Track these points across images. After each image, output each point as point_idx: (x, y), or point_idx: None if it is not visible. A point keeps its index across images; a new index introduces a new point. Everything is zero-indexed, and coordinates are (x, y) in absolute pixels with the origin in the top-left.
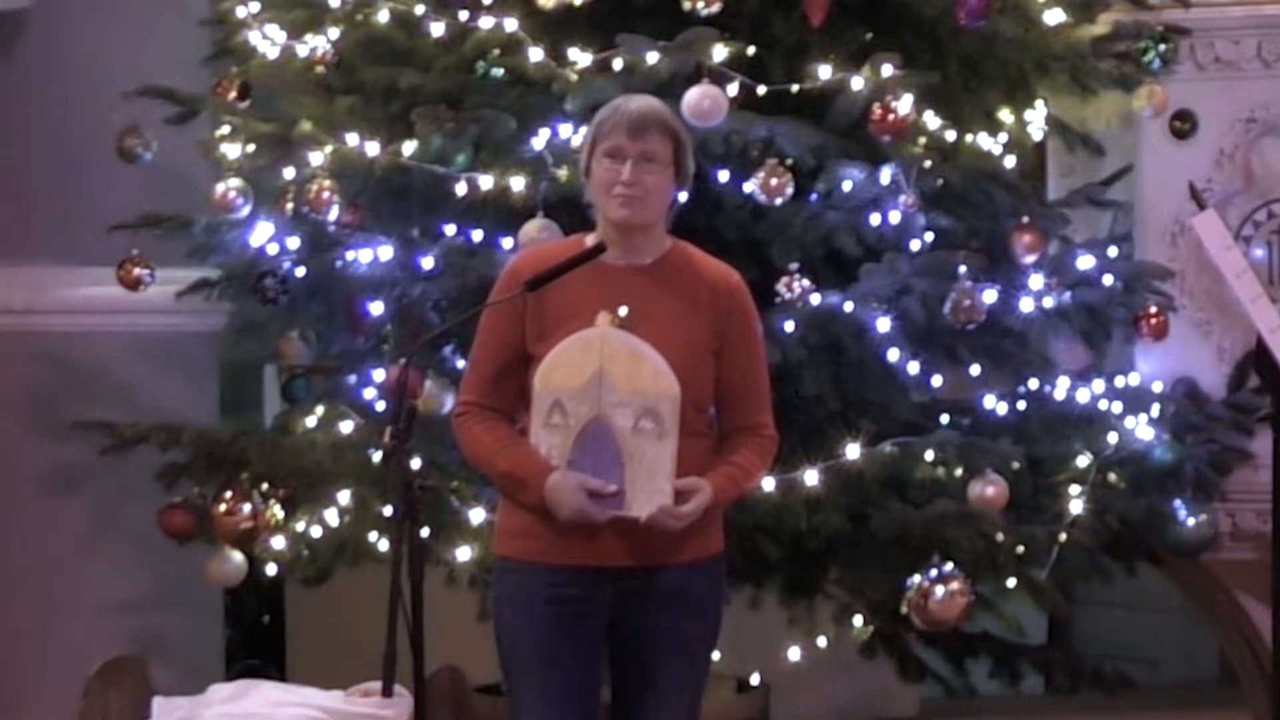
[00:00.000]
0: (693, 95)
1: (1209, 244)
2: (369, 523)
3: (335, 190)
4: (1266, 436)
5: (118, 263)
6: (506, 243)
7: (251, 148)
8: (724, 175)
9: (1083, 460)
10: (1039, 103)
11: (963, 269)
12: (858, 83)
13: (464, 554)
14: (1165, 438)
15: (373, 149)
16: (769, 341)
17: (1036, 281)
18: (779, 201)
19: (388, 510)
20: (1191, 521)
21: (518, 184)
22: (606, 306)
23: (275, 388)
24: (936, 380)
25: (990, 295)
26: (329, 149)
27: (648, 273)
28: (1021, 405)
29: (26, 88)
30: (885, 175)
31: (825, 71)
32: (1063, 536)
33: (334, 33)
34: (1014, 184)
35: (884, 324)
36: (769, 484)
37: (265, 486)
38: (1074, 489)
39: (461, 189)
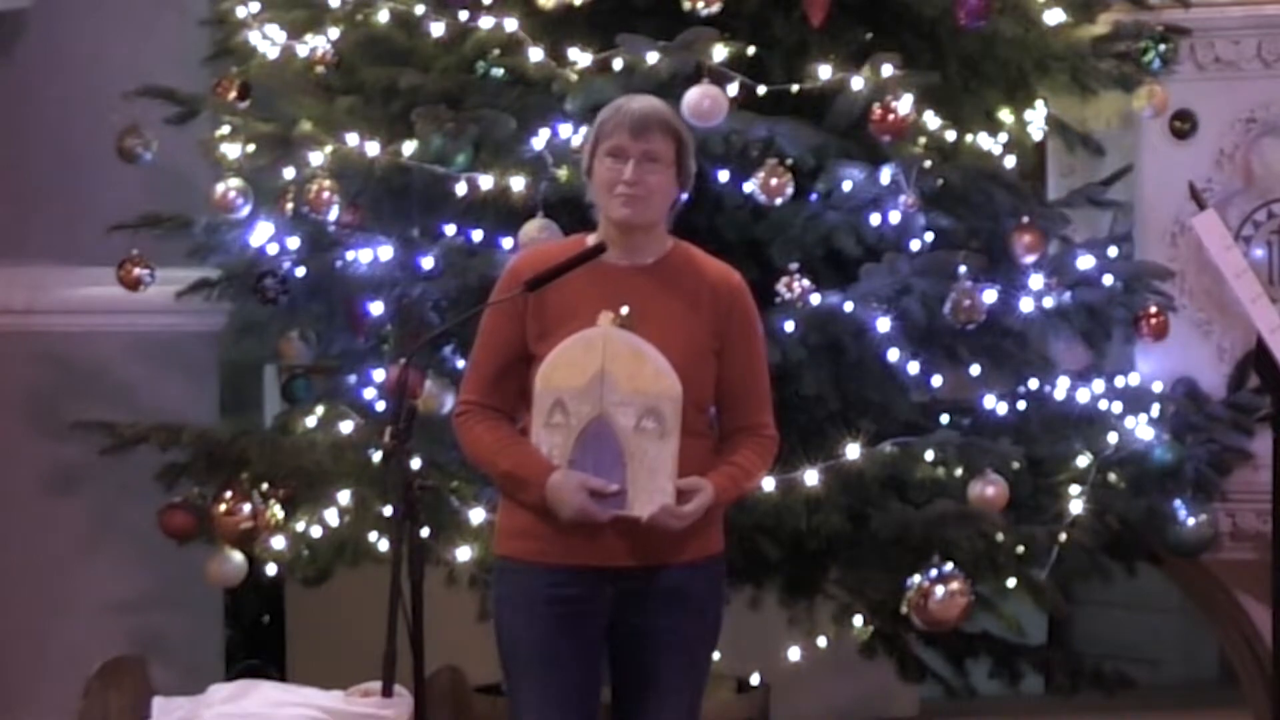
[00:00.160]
0: (693, 95)
1: (1209, 244)
2: (369, 523)
3: (335, 190)
4: (1266, 436)
5: (118, 263)
6: (506, 243)
7: (251, 148)
8: (724, 175)
9: (1083, 460)
10: (1039, 103)
11: (963, 269)
12: (858, 83)
13: (464, 554)
14: (1165, 438)
15: (373, 149)
16: (769, 341)
17: (1036, 281)
18: (779, 201)
19: (388, 510)
20: (1191, 521)
21: (518, 184)
22: (608, 306)
23: (275, 388)
24: (936, 380)
25: (990, 295)
26: (329, 149)
27: (649, 272)
28: (1021, 405)
29: (26, 88)
30: (885, 175)
31: (825, 71)
32: (1063, 536)
33: (334, 33)
34: (1014, 184)
35: (884, 324)
36: (769, 484)
37: (265, 486)
38: (1074, 489)
39: (461, 189)
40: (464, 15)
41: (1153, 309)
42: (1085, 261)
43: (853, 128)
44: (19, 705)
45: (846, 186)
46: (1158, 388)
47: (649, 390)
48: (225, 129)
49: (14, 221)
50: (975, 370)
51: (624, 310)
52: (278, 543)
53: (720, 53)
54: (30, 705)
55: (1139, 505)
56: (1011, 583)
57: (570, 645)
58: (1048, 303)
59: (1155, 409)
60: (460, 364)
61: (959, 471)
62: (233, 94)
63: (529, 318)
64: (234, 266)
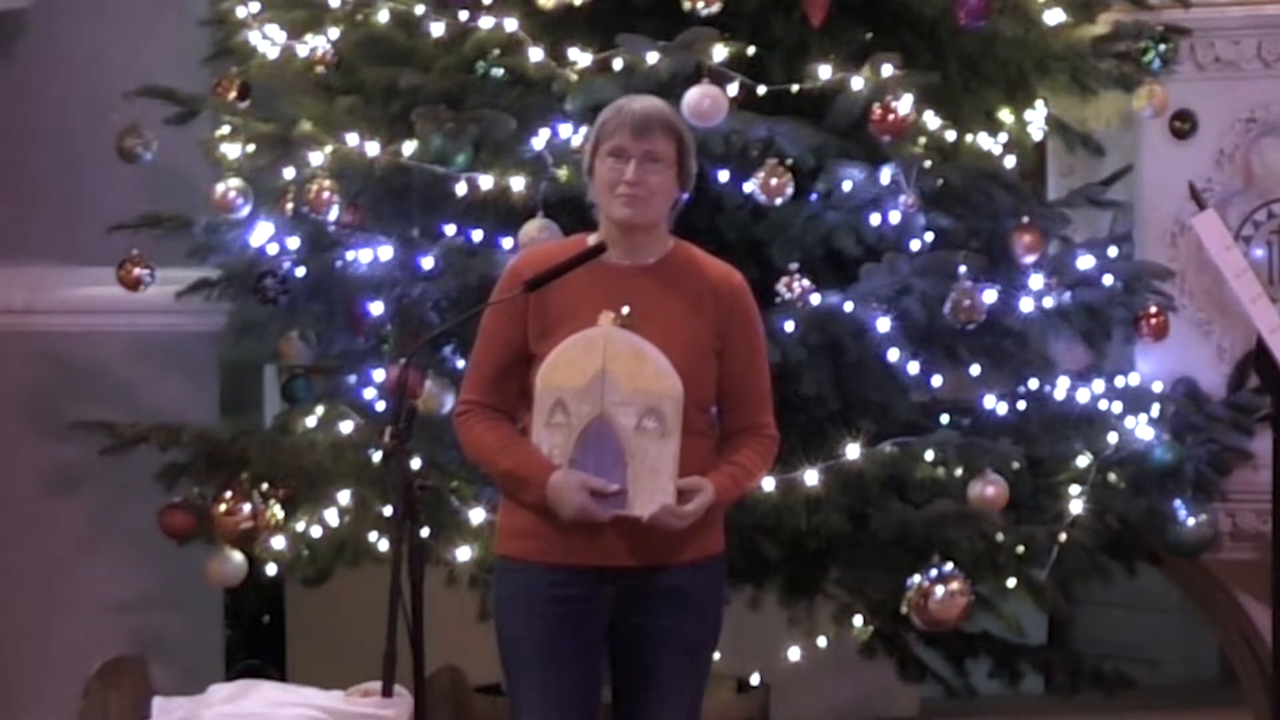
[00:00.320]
0: (693, 95)
1: (1209, 244)
2: (369, 523)
3: (335, 190)
4: (1266, 436)
5: (118, 263)
6: (506, 243)
7: (251, 148)
8: (724, 175)
9: (1083, 460)
10: (1039, 103)
11: (963, 269)
12: (858, 83)
13: (464, 554)
14: (1165, 438)
15: (373, 149)
16: (769, 341)
17: (1036, 281)
18: (779, 201)
19: (388, 510)
20: (1191, 521)
21: (518, 184)
22: (609, 306)
23: (275, 388)
24: (936, 380)
25: (990, 295)
26: (329, 149)
27: (650, 272)
28: (1021, 405)
29: (26, 88)
30: (885, 175)
31: (825, 71)
32: (1063, 536)
33: (334, 33)
34: (1014, 184)
35: (884, 324)
36: (769, 484)
37: (265, 486)
38: (1074, 489)
39: (461, 189)
40: (464, 15)
41: (1153, 309)
42: (1085, 261)
43: (853, 128)
44: (19, 705)
45: (846, 186)
46: (1158, 388)
47: (650, 390)
48: (225, 129)
49: (14, 221)
50: (975, 370)
51: (625, 310)
52: (278, 543)
53: (720, 53)
54: (30, 705)
55: (1139, 505)
56: (1011, 583)
57: (571, 645)
58: (1048, 303)
59: (1155, 409)
60: (460, 364)
61: (959, 471)
62: (233, 94)
63: (530, 317)
64: (234, 266)
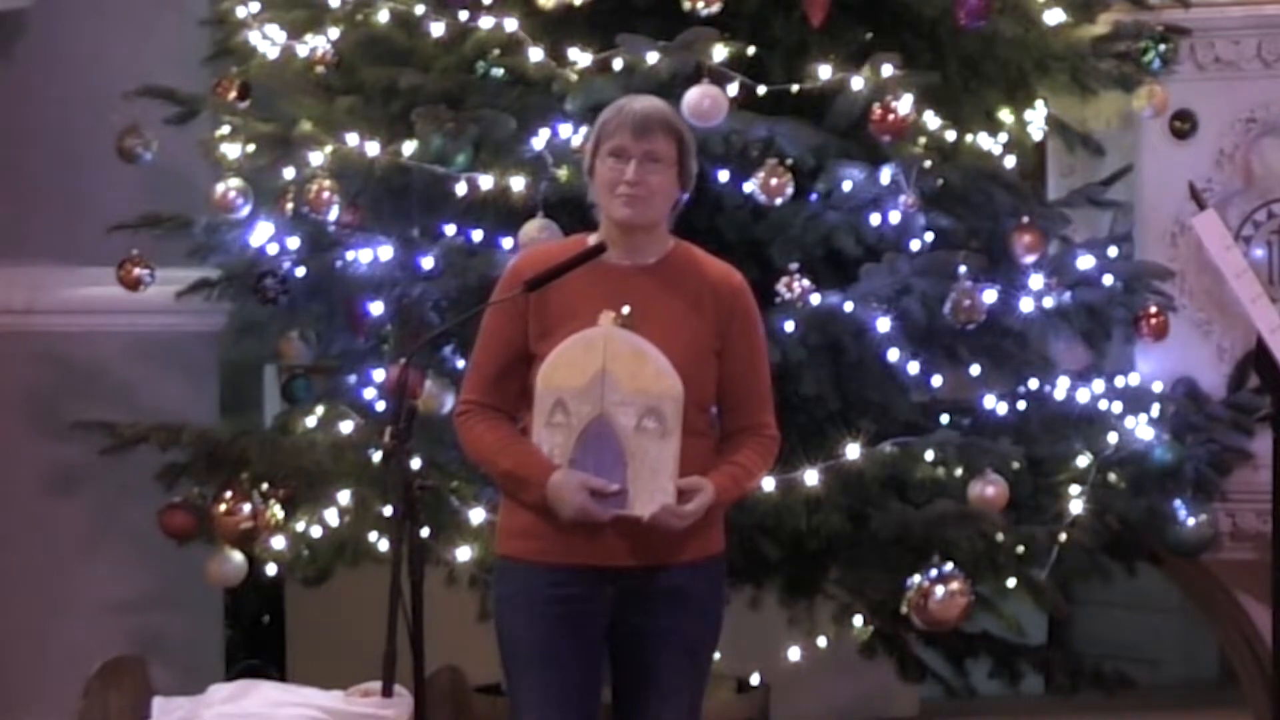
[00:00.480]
0: (693, 95)
1: (1209, 244)
2: (369, 523)
3: (335, 190)
4: (1266, 436)
5: (118, 263)
6: (506, 243)
7: (251, 148)
8: (724, 175)
9: (1083, 460)
10: (1039, 103)
11: (963, 269)
12: (858, 83)
13: (464, 554)
14: (1165, 438)
15: (373, 149)
16: (769, 341)
17: (1036, 281)
18: (779, 201)
19: (388, 510)
20: (1191, 521)
21: (518, 184)
22: (609, 306)
23: (275, 388)
24: (936, 380)
25: (990, 295)
26: (329, 149)
27: (650, 272)
28: (1021, 405)
29: (26, 88)
30: (885, 175)
31: (825, 71)
32: (1063, 536)
33: (334, 33)
34: (1014, 184)
35: (884, 324)
36: (769, 484)
37: (265, 486)
38: (1074, 489)
39: (461, 189)
40: (464, 15)
41: (1153, 309)
42: (1085, 261)
43: (853, 128)
44: (19, 705)
45: (846, 186)
46: (1158, 388)
47: (650, 390)
48: (225, 129)
49: (14, 221)
50: (975, 370)
51: (625, 310)
52: (278, 543)
53: (720, 53)
54: (30, 705)
55: (1139, 505)
56: (1011, 583)
57: (571, 645)
58: (1048, 303)
59: (1155, 409)
60: (460, 364)
61: (959, 471)
62: (233, 94)
63: (530, 317)
64: (234, 266)
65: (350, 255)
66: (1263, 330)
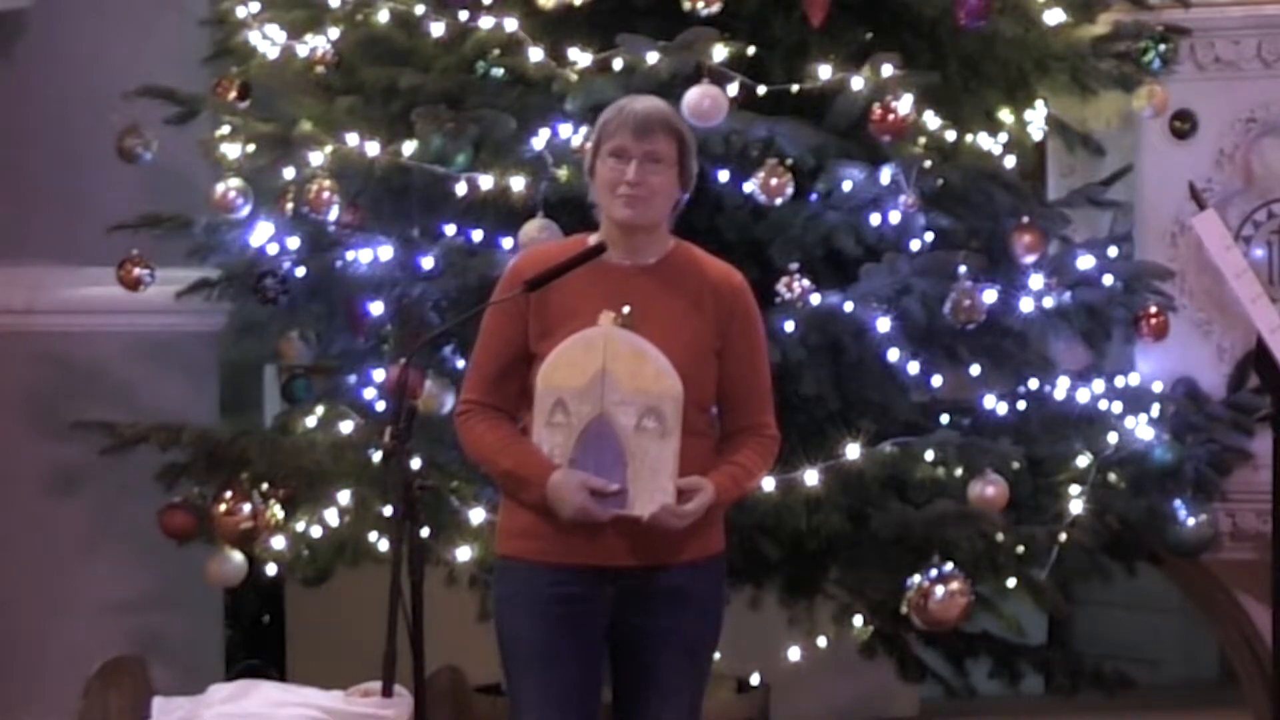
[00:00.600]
0: (693, 95)
1: (1209, 244)
2: (369, 523)
3: (335, 190)
4: (1266, 436)
5: (118, 263)
6: (506, 243)
7: (251, 148)
8: (724, 175)
9: (1083, 460)
10: (1039, 103)
11: (963, 269)
12: (858, 83)
13: (464, 554)
14: (1165, 438)
15: (373, 149)
16: (769, 341)
17: (1036, 281)
18: (779, 201)
19: (388, 510)
20: (1191, 521)
21: (518, 184)
22: (609, 306)
23: (275, 388)
24: (936, 380)
25: (990, 295)
26: (329, 149)
27: (651, 272)
28: (1021, 405)
29: (26, 88)
30: (885, 175)
31: (825, 71)
32: (1063, 536)
33: (334, 33)
34: (1014, 184)
35: (884, 324)
36: (769, 484)
37: (265, 486)
38: (1074, 489)
39: (461, 189)
40: (464, 15)
41: (1153, 309)
42: (1085, 261)
43: (853, 128)
44: (19, 705)
45: (846, 186)
46: (1158, 388)
47: (650, 390)
48: (225, 129)
49: (14, 221)
50: (975, 370)
51: (625, 310)
52: (278, 543)
53: (720, 53)
54: (30, 705)
55: (1139, 505)
56: (1011, 583)
57: (571, 645)
58: (1048, 303)
59: (1155, 409)
60: (460, 364)
61: (959, 471)
62: (233, 94)
63: (530, 317)
64: (234, 266)
65: (350, 255)
66: (1263, 330)
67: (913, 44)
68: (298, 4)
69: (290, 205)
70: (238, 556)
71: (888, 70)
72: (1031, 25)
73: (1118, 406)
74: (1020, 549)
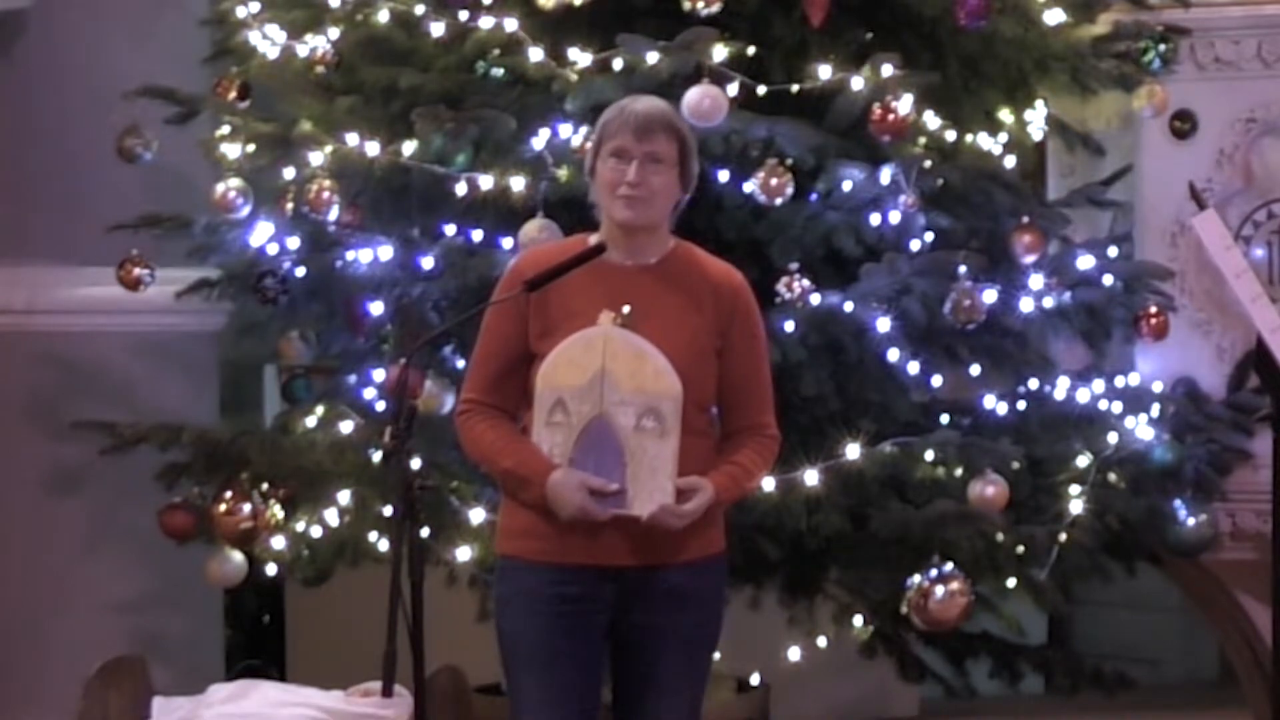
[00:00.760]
0: (693, 95)
1: (1209, 244)
2: (369, 523)
3: (335, 190)
4: (1266, 436)
5: (118, 263)
6: (506, 243)
7: (251, 148)
8: (724, 175)
9: (1083, 460)
10: (1039, 103)
11: (963, 269)
12: (858, 83)
13: (464, 554)
14: (1165, 438)
15: (373, 149)
16: (769, 341)
17: (1036, 281)
18: (779, 201)
19: (388, 510)
20: (1191, 521)
21: (518, 184)
22: (609, 305)
23: (275, 388)
24: (936, 380)
25: (990, 295)
26: (329, 149)
27: (651, 272)
28: (1021, 405)
29: (26, 88)
30: (885, 175)
31: (825, 71)
32: (1063, 536)
33: (334, 33)
34: (1014, 184)
35: (884, 324)
36: (769, 484)
37: (265, 486)
38: (1074, 489)
39: (461, 189)
40: (464, 15)
41: (1153, 309)
42: (1085, 261)
43: (853, 128)
44: (19, 705)
45: (846, 186)
46: (1158, 388)
47: (649, 389)
48: (225, 129)
49: (14, 221)
50: (975, 370)
51: (625, 309)
52: (278, 543)
53: (720, 53)
54: (30, 705)
55: (1139, 505)
56: (1011, 583)
57: (571, 644)
58: (1048, 303)
59: (1155, 409)
60: (460, 364)
61: (959, 471)
62: (233, 94)
63: (530, 317)
64: (234, 266)
65: (350, 255)
66: (1263, 330)
67: (913, 44)
68: (298, 4)
69: (290, 205)
70: (238, 556)
71: (888, 70)
72: (1031, 25)
73: (1118, 406)
74: (1020, 549)
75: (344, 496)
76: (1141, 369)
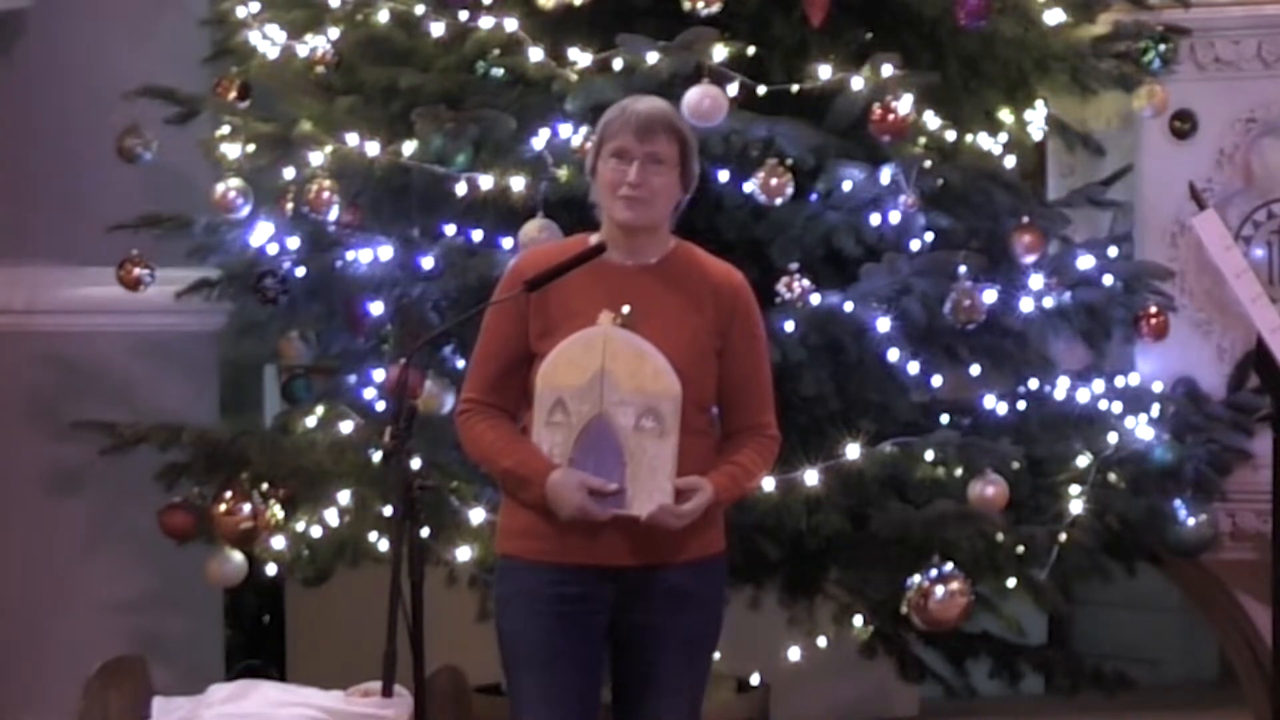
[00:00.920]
0: (693, 95)
1: (1209, 244)
2: (369, 523)
3: (335, 190)
4: (1266, 436)
5: (118, 263)
6: (506, 243)
7: (251, 148)
8: (724, 175)
9: (1083, 460)
10: (1039, 103)
11: (963, 269)
12: (858, 83)
13: (464, 554)
14: (1165, 438)
15: (373, 149)
16: (769, 341)
17: (1036, 281)
18: (779, 201)
19: (388, 510)
20: (1191, 521)
21: (518, 184)
22: (610, 305)
23: (275, 388)
24: (936, 380)
25: (990, 295)
26: (329, 149)
27: (651, 272)
28: (1021, 405)
29: (26, 88)
30: (885, 175)
31: (825, 71)
32: (1063, 536)
33: (334, 33)
34: (1014, 184)
35: (884, 324)
36: (769, 484)
37: (265, 486)
38: (1074, 489)
39: (461, 189)
40: (464, 15)
41: (1153, 309)
42: (1085, 261)
43: (853, 128)
44: (19, 705)
45: (846, 186)
46: (1158, 388)
47: (649, 389)
48: (225, 129)
49: (14, 221)
50: (975, 370)
51: (625, 309)
52: (278, 543)
53: (720, 53)
54: (30, 705)
55: (1139, 505)
56: (1011, 583)
57: (571, 644)
58: (1048, 303)
59: (1155, 409)
60: (460, 364)
61: (959, 471)
62: (233, 94)
63: (531, 317)
64: (234, 266)
65: (350, 255)
66: (1263, 330)
67: (913, 44)
68: (298, 4)
69: (290, 205)
70: (238, 556)
71: (888, 70)
72: (1031, 25)
73: (1118, 406)
74: (1020, 549)
75: (344, 496)
76: (1141, 369)
